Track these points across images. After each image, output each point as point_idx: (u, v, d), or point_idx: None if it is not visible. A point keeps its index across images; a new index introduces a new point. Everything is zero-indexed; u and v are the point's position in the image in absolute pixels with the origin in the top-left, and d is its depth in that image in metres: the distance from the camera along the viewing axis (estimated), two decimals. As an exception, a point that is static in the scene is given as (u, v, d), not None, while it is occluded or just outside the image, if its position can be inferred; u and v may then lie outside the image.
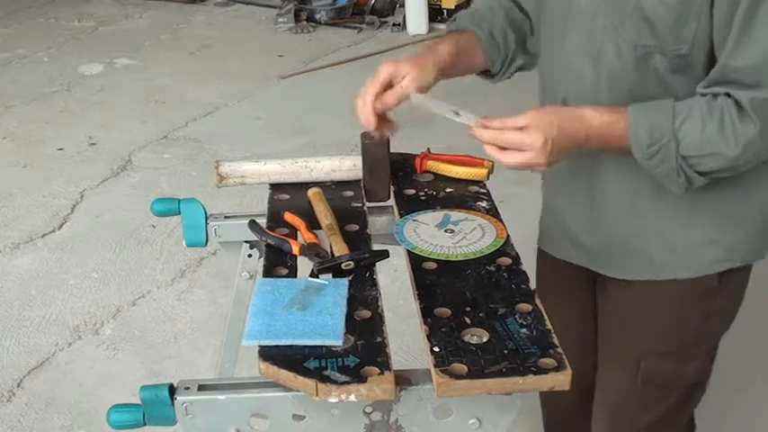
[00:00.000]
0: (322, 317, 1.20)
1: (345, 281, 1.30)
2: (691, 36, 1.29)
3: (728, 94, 1.28)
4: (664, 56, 1.32)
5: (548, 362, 1.10)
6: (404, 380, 1.15)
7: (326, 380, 1.08)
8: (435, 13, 6.06)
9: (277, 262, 1.38)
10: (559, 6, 1.46)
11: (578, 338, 1.69)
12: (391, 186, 1.61)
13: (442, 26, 6.05)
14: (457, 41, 1.54)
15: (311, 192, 1.56)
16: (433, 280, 1.31)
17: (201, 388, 1.18)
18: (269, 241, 1.42)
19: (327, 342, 1.16)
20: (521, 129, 1.31)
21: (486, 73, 1.64)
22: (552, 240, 1.66)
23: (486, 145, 1.33)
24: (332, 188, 1.63)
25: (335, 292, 1.27)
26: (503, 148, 1.31)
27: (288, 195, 1.61)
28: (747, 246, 1.50)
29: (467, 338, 1.16)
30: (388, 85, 1.40)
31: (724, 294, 1.54)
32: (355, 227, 1.48)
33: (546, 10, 1.51)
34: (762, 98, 1.25)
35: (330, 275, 1.31)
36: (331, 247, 1.39)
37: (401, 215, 1.52)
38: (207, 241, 1.63)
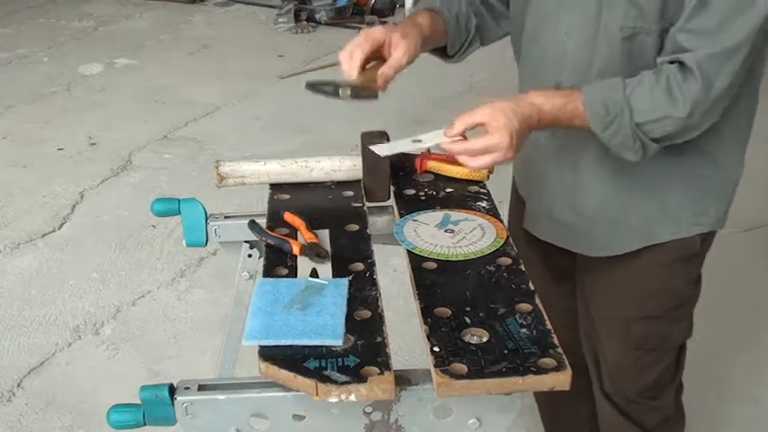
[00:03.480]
0: (322, 317, 1.20)
1: (345, 281, 1.29)
2: (671, 13, 1.36)
3: (673, 62, 1.36)
4: (648, 35, 1.39)
5: (548, 362, 1.10)
6: (404, 380, 1.15)
7: (326, 380, 1.08)
8: (435, 13, 6.05)
9: (277, 262, 1.38)
10: None
11: (564, 311, 1.75)
12: (391, 186, 1.61)
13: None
14: (433, 21, 1.59)
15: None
16: (433, 280, 1.31)
17: (201, 388, 1.18)
18: (269, 241, 1.42)
19: (327, 342, 1.15)
20: (484, 129, 1.37)
21: (441, 51, 1.69)
22: (536, 223, 1.71)
23: (458, 155, 1.41)
24: (332, 188, 1.63)
25: (335, 292, 1.27)
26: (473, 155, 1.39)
27: (288, 195, 1.61)
28: (716, 210, 1.58)
29: (467, 338, 1.16)
30: (377, 50, 1.47)
31: (702, 259, 1.64)
32: (355, 227, 1.48)
33: None
34: (706, 54, 1.33)
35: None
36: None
37: (401, 215, 1.52)
38: (207, 241, 1.63)
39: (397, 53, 1.47)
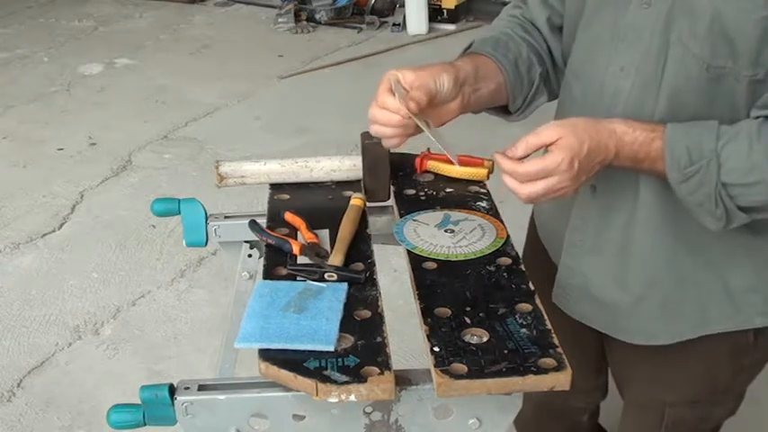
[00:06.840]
0: (317, 321, 1.19)
1: (345, 285, 1.29)
2: None
3: None
4: (738, 81, 1.17)
5: (548, 362, 1.10)
6: (404, 380, 1.15)
7: (326, 380, 1.08)
8: (435, 13, 6.05)
9: (277, 262, 1.38)
10: (606, 22, 1.30)
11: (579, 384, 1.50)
12: (391, 186, 1.61)
13: (442, 26, 6.06)
14: (477, 64, 1.36)
15: (354, 200, 1.51)
16: (433, 280, 1.30)
17: (201, 388, 1.18)
18: (269, 241, 1.42)
19: (319, 347, 1.14)
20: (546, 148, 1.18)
21: (502, 110, 1.47)
22: (566, 297, 1.48)
23: (505, 176, 1.21)
24: (332, 188, 1.63)
25: (333, 296, 1.26)
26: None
27: (288, 195, 1.61)
28: None
29: (467, 338, 1.16)
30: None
31: (758, 350, 1.44)
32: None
33: (584, 28, 1.35)
34: None
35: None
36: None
37: (401, 215, 1.52)
38: (207, 241, 1.63)
39: (407, 82, 1.26)
